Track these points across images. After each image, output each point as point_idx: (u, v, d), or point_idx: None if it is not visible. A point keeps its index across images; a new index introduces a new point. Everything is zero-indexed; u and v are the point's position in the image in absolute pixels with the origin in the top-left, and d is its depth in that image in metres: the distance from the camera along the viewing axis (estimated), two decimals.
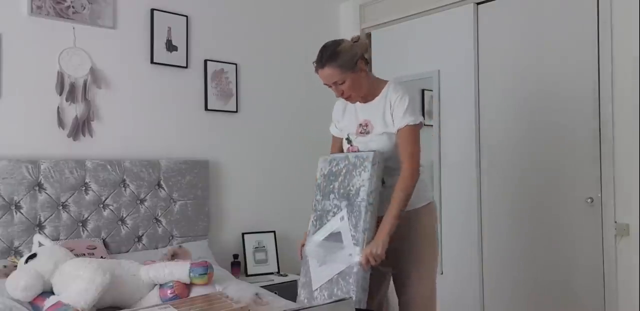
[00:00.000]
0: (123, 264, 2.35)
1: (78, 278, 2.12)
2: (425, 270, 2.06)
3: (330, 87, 1.99)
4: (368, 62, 2.02)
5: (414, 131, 1.96)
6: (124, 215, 2.82)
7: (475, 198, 3.08)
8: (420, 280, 2.05)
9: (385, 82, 2.06)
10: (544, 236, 2.82)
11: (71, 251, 2.39)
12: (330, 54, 1.93)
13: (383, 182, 2.00)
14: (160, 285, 2.32)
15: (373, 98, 2.06)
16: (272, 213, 3.49)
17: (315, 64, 1.98)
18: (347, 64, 1.92)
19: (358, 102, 2.10)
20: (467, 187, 3.12)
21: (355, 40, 1.99)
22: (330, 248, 1.98)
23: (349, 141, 2.15)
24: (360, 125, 2.09)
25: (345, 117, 2.17)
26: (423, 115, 3.48)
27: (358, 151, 2.09)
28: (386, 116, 2.01)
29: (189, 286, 2.33)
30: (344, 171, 2.04)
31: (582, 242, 2.68)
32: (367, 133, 2.06)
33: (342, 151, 2.22)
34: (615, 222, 2.54)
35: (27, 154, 2.60)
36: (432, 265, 2.09)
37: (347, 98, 2.03)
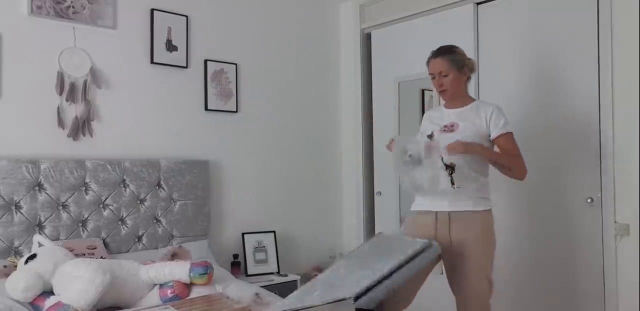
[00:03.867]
0: (123, 264, 2.35)
1: (78, 278, 2.12)
2: (480, 272, 2.16)
3: (433, 78, 2.26)
4: (470, 78, 2.30)
5: (512, 137, 2.20)
6: (124, 215, 2.82)
7: None
8: (477, 282, 2.16)
9: (474, 99, 2.32)
10: (544, 236, 2.82)
11: (71, 251, 2.39)
12: (447, 49, 2.25)
13: (452, 183, 2.13)
14: (160, 285, 2.32)
15: (462, 106, 2.27)
16: (272, 213, 3.50)
17: (430, 55, 2.28)
18: (456, 62, 2.22)
19: (447, 109, 2.31)
20: None
21: (469, 58, 2.30)
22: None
23: (430, 137, 2.28)
24: (446, 126, 2.26)
25: (430, 124, 2.34)
26: (423, 114, 3.53)
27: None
28: (476, 122, 2.20)
29: (189, 286, 2.33)
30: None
31: (582, 242, 2.68)
32: (452, 131, 2.22)
33: None
34: (615, 222, 2.54)
35: (27, 154, 2.60)
36: (486, 267, 2.19)
37: (441, 92, 2.27)
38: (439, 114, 2.35)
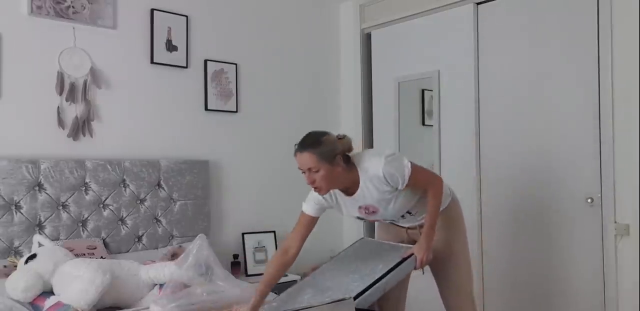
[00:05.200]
0: (123, 264, 2.36)
1: (78, 278, 2.12)
2: (458, 258, 2.17)
3: (304, 173, 1.98)
4: (349, 161, 2.01)
5: (414, 174, 1.99)
6: (124, 215, 2.82)
7: (475, 198, 3.08)
8: (456, 268, 2.17)
9: (357, 170, 2.01)
10: (544, 236, 2.82)
11: (71, 251, 2.39)
12: (312, 141, 1.94)
13: (410, 214, 2.14)
14: (160, 285, 2.32)
15: (355, 190, 2.03)
16: (272, 213, 3.49)
17: (295, 147, 1.97)
18: (325, 155, 1.92)
19: (345, 196, 2.08)
20: (467, 187, 3.12)
21: (341, 137, 2.00)
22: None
23: (362, 219, 2.21)
24: (360, 207, 2.09)
25: (338, 205, 2.14)
26: (423, 114, 3.54)
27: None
28: (381, 189, 2.00)
29: None
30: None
31: (582, 242, 2.68)
32: (375, 212, 2.09)
33: (307, 230, 2.22)
34: (615, 222, 2.54)
35: (27, 154, 2.60)
36: (464, 252, 2.20)
37: (315, 188, 2.00)
38: (342, 200, 2.11)
